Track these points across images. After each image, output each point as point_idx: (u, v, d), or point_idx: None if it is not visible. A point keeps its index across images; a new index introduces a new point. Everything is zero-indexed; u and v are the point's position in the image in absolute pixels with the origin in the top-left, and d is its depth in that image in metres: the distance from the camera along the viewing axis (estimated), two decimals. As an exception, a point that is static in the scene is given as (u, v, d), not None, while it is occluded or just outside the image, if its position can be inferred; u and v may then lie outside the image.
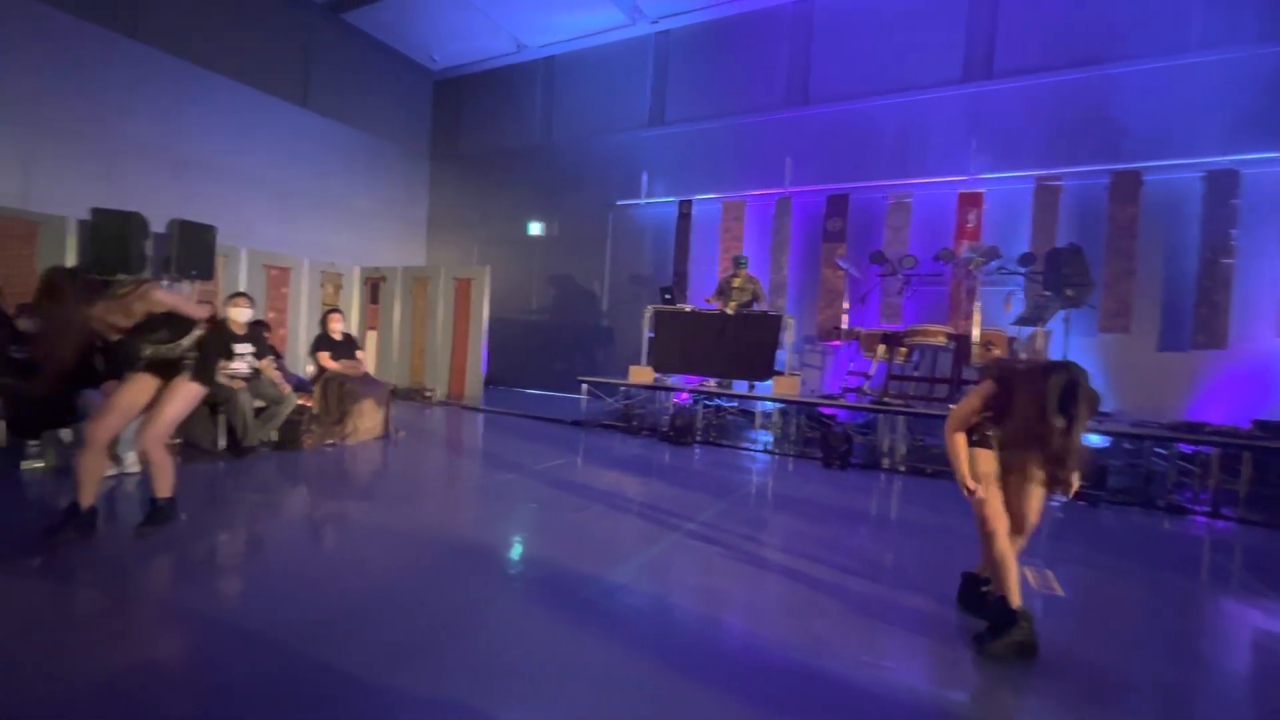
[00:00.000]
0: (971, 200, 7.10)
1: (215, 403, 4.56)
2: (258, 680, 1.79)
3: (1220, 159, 6.05)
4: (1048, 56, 6.96)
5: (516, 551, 3.03)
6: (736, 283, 7.07)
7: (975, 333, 6.01)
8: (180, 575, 2.55)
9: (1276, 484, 4.88)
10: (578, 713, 1.73)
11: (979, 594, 2.48)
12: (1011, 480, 2.35)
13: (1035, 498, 2.33)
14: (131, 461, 3.86)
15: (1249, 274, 5.97)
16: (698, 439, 6.32)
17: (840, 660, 2.08)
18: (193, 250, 6.25)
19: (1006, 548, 2.26)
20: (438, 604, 2.34)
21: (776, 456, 5.87)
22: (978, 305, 6.24)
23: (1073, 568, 3.20)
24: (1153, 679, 2.14)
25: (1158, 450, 5.35)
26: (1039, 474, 2.28)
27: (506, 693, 1.80)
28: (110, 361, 4.22)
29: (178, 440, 4.59)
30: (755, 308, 6.96)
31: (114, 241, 5.69)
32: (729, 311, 6.83)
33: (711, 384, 6.97)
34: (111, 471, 3.79)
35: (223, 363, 4.63)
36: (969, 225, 7.08)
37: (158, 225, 6.35)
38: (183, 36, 7.75)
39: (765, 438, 6.52)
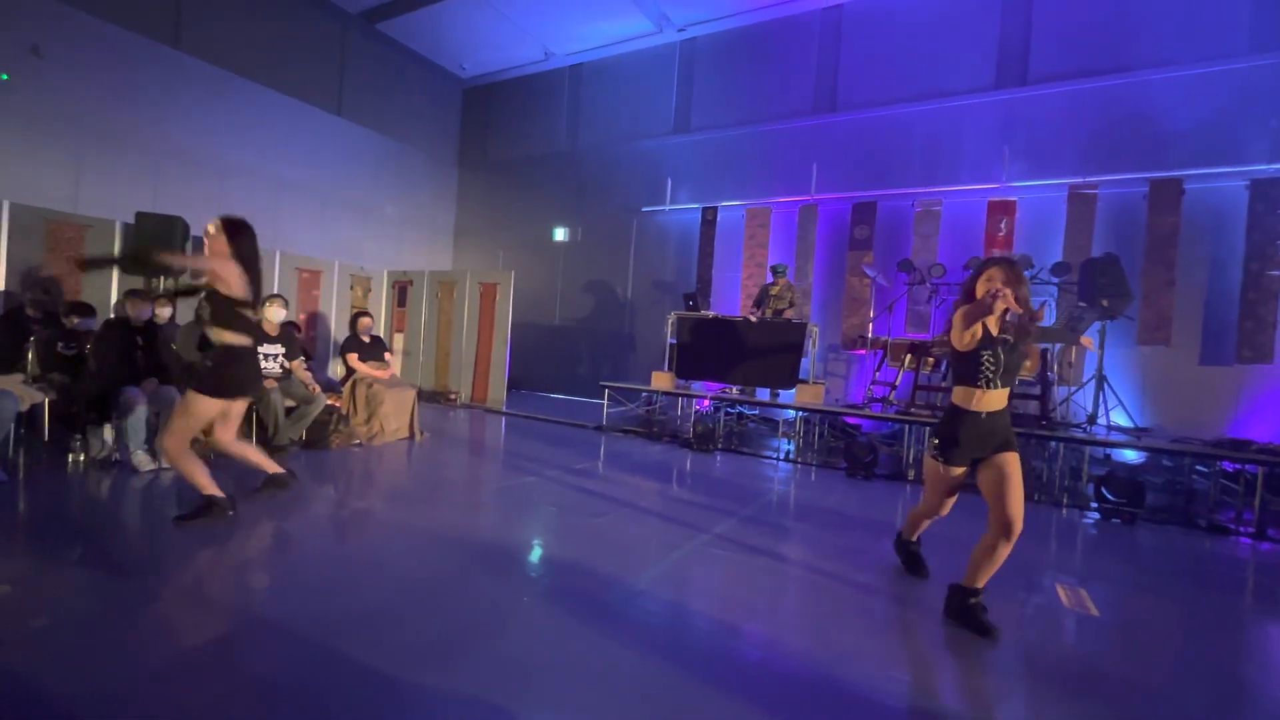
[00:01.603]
0: (1003, 208, 6.96)
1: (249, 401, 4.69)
2: (285, 676, 1.82)
3: (1267, 167, 5.84)
4: (1085, 61, 6.80)
5: (537, 555, 3.04)
6: (775, 290, 7.10)
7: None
8: (210, 570, 2.61)
9: (1327, 506, 4.67)
10: (598, 716, 1.73)
11: (967, 605, 2.45)
12: (985, 477, 2.46)
13: (1012, 492, 2.36)
14: (141, 460, 3.94)
15: (1298, 286, 5.73)
16: (719, 446, 6.29)
17: (862, 672, 2.04)
18: (230, 253, 6.44)
19: (923, 520, 2.92)
20: (460, 605, 2.36)
21: (799, 465, 5.80)
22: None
23: (1108, 587, 3.09)
24: (1189, 704, 2.05)
25: (1199, 468, 5.16)
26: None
27: (528, 694, 1.80)
28: (150, 360, 4.37)
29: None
30: (789, 315, 6.96)
31: (157, 244, 5.90)
32: (753, 320, 6.80)
33: (734, 391, 6.93)
34: (149, 466, 3.91)
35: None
36: (1000, 234, 6.94)
37: (198, 229, 6.58)
38: (223, 47, 8.03)
39: (788, 446, 6.45)
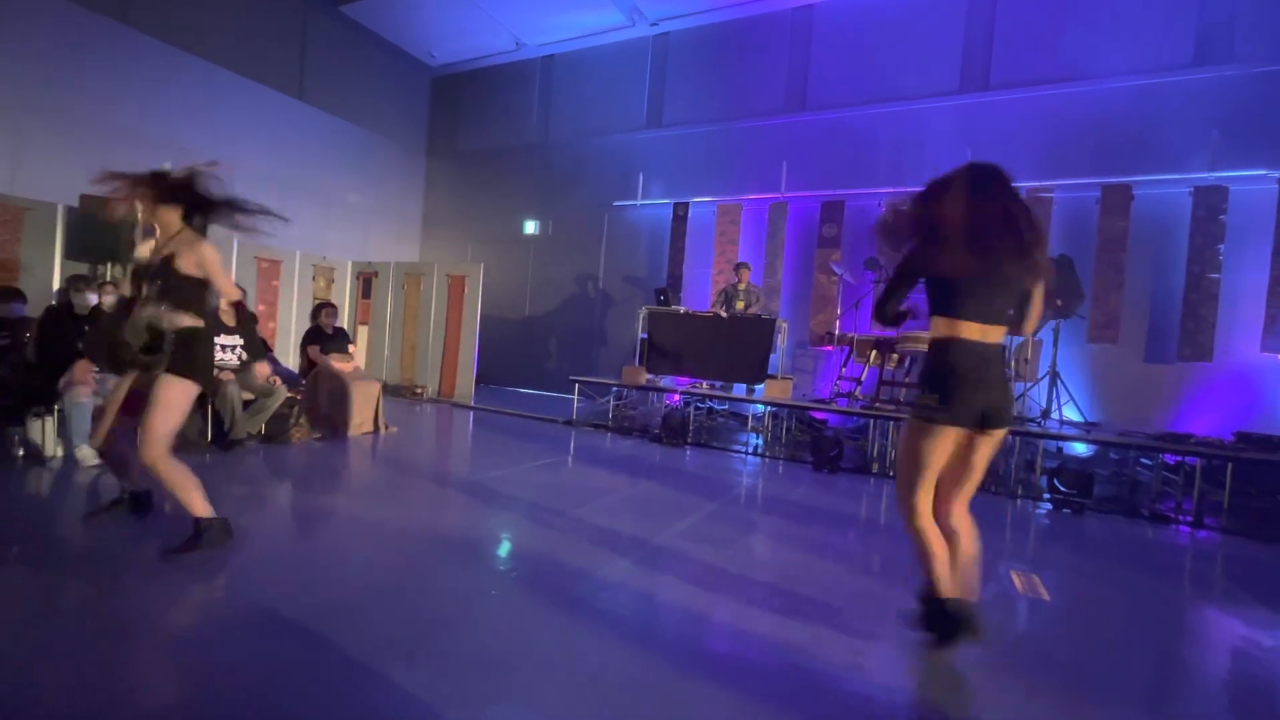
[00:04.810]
0: (965, 209, 7.15)
1: (203, 394, 4.51)
2: (246, 676, 1.76)
3: (1209, 175, 6.14)
4: (1043, 70, 7.04)
5: (505, 549, 3.01)
6: (742, 287, 7.17)
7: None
8: (165, 570, 2.50)
9: (1258, 495, 4.95)
10: (567, 708, 1.72)
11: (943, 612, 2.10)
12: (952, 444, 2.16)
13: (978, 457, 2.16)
14: (86, 455, 3.75)
15: (1235, 289, 6.05)
16: (689, 441, 6.32)
17: (827, 661, 2.08)
18: (183, 240, 6.18)
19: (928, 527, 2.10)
20: (426, 600, 2.32)
21: (767, 459, 5.88)
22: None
23: (1059, 573, 3.22)
24: (1135, 681, 2.15)
25: (1143, 460, 5.42)
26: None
27: (496, 688, 1.78)
28: (89, 343, 4.15)
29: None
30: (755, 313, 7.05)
31: (102, 229, 5.61)
32: (723, 315, 6.86)
33: (704, 386, 6.98)
34: (94, 462, 3.73)
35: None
36: (962, 234, 7.14)
37: (148, 214, 6.28)
38: (175, 23, 7.65)
39: (756, 441, 6.53)
